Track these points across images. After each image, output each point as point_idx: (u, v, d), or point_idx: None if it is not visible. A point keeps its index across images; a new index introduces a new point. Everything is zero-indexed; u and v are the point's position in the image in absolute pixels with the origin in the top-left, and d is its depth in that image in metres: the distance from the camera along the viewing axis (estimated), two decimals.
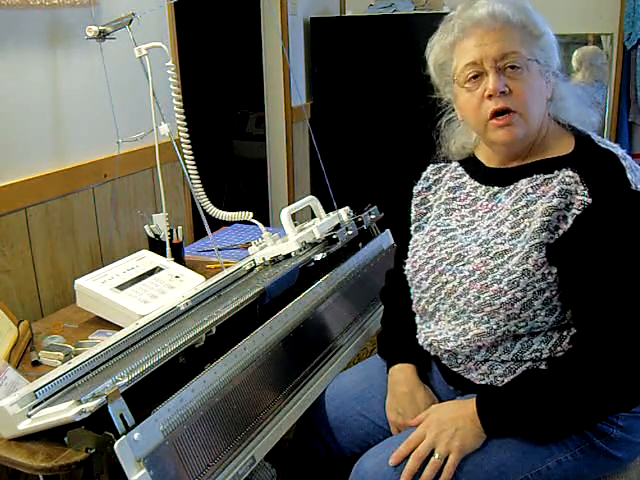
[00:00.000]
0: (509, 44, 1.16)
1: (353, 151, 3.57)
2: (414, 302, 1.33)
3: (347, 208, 1.83)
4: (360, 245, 1.80)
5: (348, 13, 3.71)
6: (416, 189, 1.42)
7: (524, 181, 1.20)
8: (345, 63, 3.50)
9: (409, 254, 1.36)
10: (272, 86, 3.39)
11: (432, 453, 1.15)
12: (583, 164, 1.14)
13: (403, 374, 1.34)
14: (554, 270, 1.13)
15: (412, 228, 1.40)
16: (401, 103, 3.40)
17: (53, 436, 1.06)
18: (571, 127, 1.23)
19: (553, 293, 1.14)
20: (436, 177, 1.40)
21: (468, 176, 1.33)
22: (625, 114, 3.53)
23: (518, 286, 1.13)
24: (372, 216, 1.84)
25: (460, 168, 1.36)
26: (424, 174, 1.42)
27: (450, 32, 1.22)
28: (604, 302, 1.09)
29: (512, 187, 1.22)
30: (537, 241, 1.13)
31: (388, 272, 1.54)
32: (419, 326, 1.33)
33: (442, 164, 1.40)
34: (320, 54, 3.55)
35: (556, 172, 1.16)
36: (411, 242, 1.37)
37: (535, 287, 1.13)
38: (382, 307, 1.55)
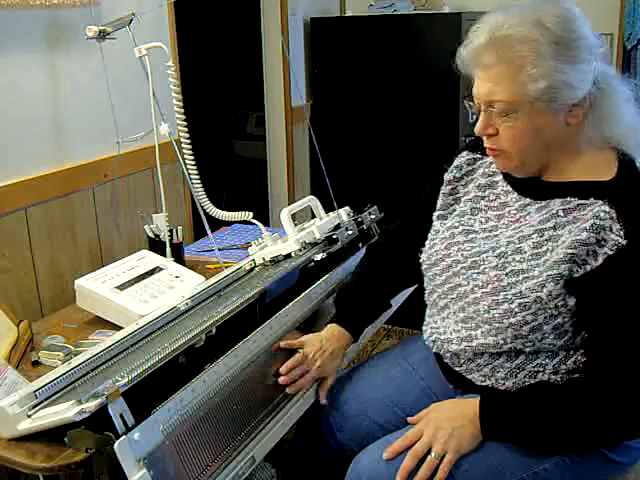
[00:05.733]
0: (498, 89, 1.10)
1: (353, 151, 3.57)
2: (426, 292, 1.32)
3: (347, 208, 1.83)
4: (360, 245, 1.80)
5: (348, 13, 3.71)
6: (447, 177, 1.35)
7: (558, 201, 1.15)
8: (345, 63, 3.50)
9: (427, 243, 1.33)
10: (272, 86, 3.38)
11: (429, 452, 1.15)
12: (622, 198, 1.08)
13: (337, 339, 1.37)
14: (571, 301, 1.10)
15: (435, 215, 1.35)
16: (401, 103, 3.39)
17: (53, 436, 1.06)
18: (617, 147, 1.15)
19: (565, 319, 1.12)
20: (469, 168, 1.34)
21: (501, 177, 1.28)
22: None
23: (529, 309, 1.11)
24: (372, 216, 1.84)
25: (494, 166, 1.29)
26: (457, 162, 1.35)
27: (463, 50, 1.17)
28: (625, 336, 1.07)
29: (544, 204, 1.17)
30: (555, 272, 1.09)
31: (388, 231, 1.53)
32: (427, 319, 1.33)
33: (478, 155, 1.33)
34: (320, 54, 3.55)
35: (591, 199, 1.10)
36: (432, 231, 1.34)
37: (547, 312, 1.11)
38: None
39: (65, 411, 1.00)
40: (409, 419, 1.25)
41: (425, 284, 1.33)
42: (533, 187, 1.21)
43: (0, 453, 1.07)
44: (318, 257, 1.59)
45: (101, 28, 1.67)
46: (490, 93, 1.12)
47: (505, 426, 1.15)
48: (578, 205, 1.12)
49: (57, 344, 1.43)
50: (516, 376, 1.18)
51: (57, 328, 1.57)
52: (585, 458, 1.16)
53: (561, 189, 1.16)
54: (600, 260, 1.07)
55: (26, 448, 1.07)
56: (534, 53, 1.07)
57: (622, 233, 1.05)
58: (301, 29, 3.48)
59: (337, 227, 1.70)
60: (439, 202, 1.36)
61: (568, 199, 1.14)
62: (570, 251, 1.08)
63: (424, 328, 1.33)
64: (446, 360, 1.27)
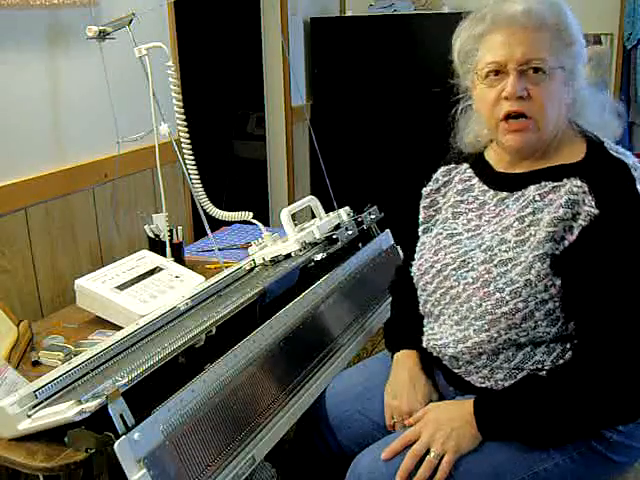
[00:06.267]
0: (537, 49, 1.13)
1: (353, 151, 3.57)
2: (420, 304, 1.33)
3: (347, 208, 1.83)
4: (360, 245, 1.80)
5: (348, 13, 3.71)
6: (425, 190, 1.40)
7: (532, 188, 1.18)
8: (345, 63, 3.50)
9: (416, 256, 1.35)
10: (272, 86, 3.39)
11: (428, 452, 1.15)
12: (592, 173, 1.12)
13: (409, 360, 1.34)
14: (557, 282, 1.11)
15: (420, 230, 1.39)
16: (401, 103, 3.40)
17: (53, 436, 1.06)
18: (586, 133, 1.20)
19: (556, 305, 1.13)
20: (446, 179, 1.38)
21: (477, 179, 1.31)
22: (625, 114, 3.53)
23: (520, 296, 1.12)
24: (372, 216, 1.84)
25: (469, 170, 1.34)
26: (434, 175, 1.40)
27: (481, 22, 1.19)
28: (608, 314, 1.08)
29: (520, 193, 1.20)
30: (541, 252, 1.11)
31: (398, 267, 1.54)
32: (425, 328, 1.33)
33: (452, 165, 1.38)
34: (320, 54, 3.56)
35: (564, 180, 1.14)
36: (419, 244, 1.37)
37: (537, 298, 1.12)
38: (381, 307, 1.55)
39: (65, 411, 1.00)
40: (407, 420, 1.25)
41: (418, 296, 1.33)
42: (508, 181, 1.24)
43: (0, 453, 1.08)
44: (318, 257, 1.59)
45: (101, 28, 1.67)
46: (530, 52, 1.14)
47: (500, 423, 1.15)
48: (553, 188, 1.15)
49: (57, 344, 1.43)
50: (515, 377, 1.18)
51: (57, 328, 1.57)
52: (585, 458, 1.16)
53: (535, 176, 1.19)
54: (576, 233, 1.10)
55: (26, 448, 1.07)
56: (565, 24, 1.17)
57: (594, 203, 1.08)
58: (301, 29, 3.48)
59: (337, 227, 1.70)
60: (421, 217, 1.40)
61: (543, 184, 1.17)
62: (551, 229, 1.11)
63: (423, 338, 1.33)
64: (445, 362, 1.27)
